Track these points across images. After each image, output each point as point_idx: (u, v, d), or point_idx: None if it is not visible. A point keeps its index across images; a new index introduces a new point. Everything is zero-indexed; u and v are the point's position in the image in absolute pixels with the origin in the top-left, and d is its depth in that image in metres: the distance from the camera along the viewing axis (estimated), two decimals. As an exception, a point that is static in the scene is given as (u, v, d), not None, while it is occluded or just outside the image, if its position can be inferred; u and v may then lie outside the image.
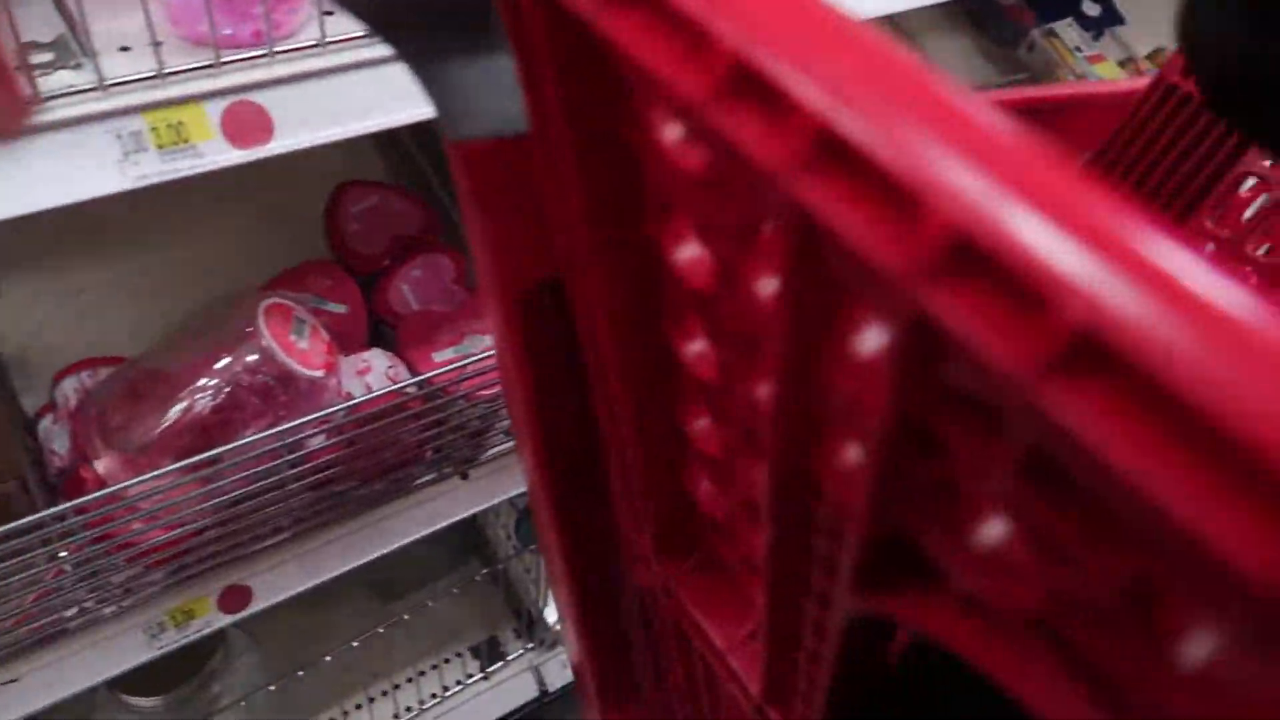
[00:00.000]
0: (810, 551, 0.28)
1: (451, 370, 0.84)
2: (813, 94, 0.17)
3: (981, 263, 0.14)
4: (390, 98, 0.68)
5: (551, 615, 1.38)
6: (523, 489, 1.04)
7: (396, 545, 0.98)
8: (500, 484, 1.03)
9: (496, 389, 0.89)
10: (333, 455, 0.81)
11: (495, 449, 1.01)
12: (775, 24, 0.18)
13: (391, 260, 1.04)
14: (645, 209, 0.30)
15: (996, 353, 0.14)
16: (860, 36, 0.17)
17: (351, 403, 0.78)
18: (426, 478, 0.97)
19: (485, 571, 1.45)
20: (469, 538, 1.50)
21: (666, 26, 0.20)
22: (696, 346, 0.32)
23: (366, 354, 0.92)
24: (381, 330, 1.02)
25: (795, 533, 0.28)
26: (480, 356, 0.85)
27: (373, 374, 0.89)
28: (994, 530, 0.18)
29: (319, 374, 0.77)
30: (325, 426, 0.78)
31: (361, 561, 0.97)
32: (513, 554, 1.41)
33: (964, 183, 0.15)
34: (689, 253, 0.29)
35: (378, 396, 0.80)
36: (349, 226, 1.04)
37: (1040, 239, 0.14)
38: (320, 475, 0.81)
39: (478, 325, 0.97)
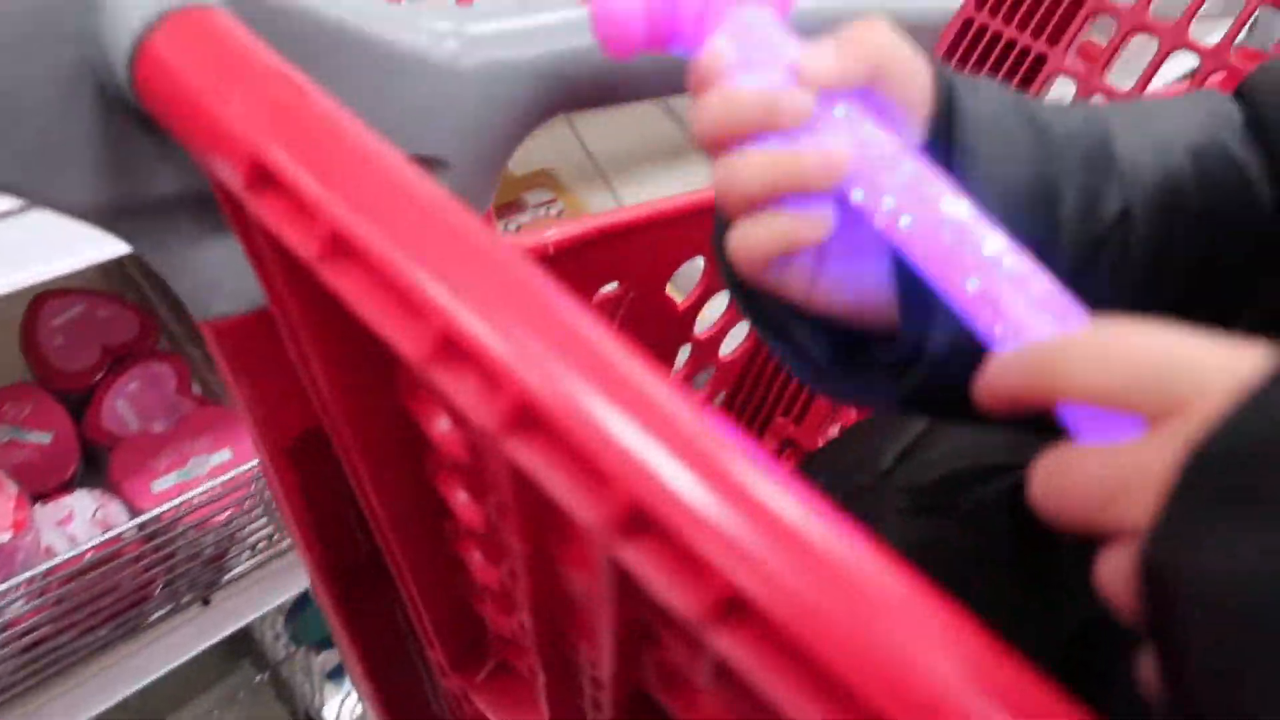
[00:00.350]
0: (582, 690, 0.32)
1: (174, 505, 0.79)
2: (520, 365, 0.20)
3: (655, 528, 0.18)
4: (50, 244, 0.64)
5: (331, 714, 1.35)
6: (283, 598, 1.00)
7: (136, 689, 0.90)
8: (251, 601, 0.97)
9: (230, 512, 0.85)
10: (38, 618, 0.74)
11: (240, 567, 0.96)
12: (480, 289, 0.21)
13: (104, 375, 0.96)
14: (397, 383, 0.32)
15: (671, 601, 0.18)
16: (568, 313, 0.21)
17: (49, 564, 0.72)
18: (161, 612, 0.90)
19: (258, 678, 1.38)
20: (237, 642, 1.43)
21: (380, 287, 0.22)
22: (461, 497, 0.35)
23: (68, 498, 0.83)
24: (97, 455, 0.93)
25: (566, 674, 0.32)
26: (207, 486, 0.80)
27: (76, 522, 0.82)
28: (706, 703, 0.22)
29: (6, 536, 0.71)
30: (24, 592, 0.72)
31: (95, 713, 0.88)
32: (284, 656, 1.36)
33: (642, 461, 0.18)
34: (443, 426, 0.32)
35: (83, 552, 0.74)
36: (50, 342, 0.95)
37: (703, 513, 0.18)
38: (25, 639, 0.74)
39: (204, 442, 0.92)
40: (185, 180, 0.31)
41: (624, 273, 0.51)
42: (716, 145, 0.30)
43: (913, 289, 0.30)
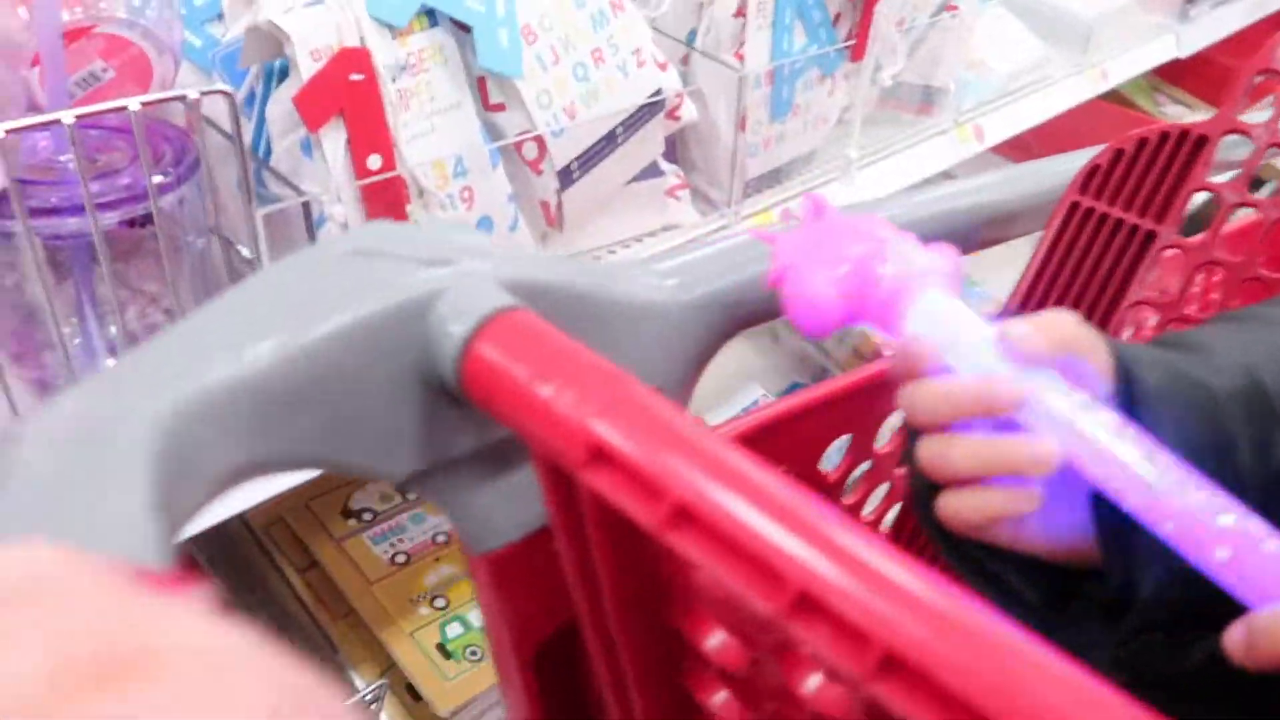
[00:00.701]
0: None
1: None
2: (877, 621, 0.24)
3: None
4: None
5: None
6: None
7: None
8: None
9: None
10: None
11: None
12: (831, 556, 0.25)
13: None
14: (671, 602, 0.36)
15: None
16: (901, 566, 0.25)
17: None
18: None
19: None
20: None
21: (729, 551, 0.27)
22: (719, 697, 0.39)
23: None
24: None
25: None
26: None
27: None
28: None
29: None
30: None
31: None
32: None
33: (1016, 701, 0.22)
34: (714, 642, 0.35)
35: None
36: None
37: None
38: None
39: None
40: (475, 440, 0.36)
41: (786, 458, 0.56)
42: (928, 427, 0.34)
43: (1114, 534, 0.33)
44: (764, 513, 0.27)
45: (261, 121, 0.70)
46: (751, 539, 0.26)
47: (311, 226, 0.66)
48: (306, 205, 0.66)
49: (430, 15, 0.69)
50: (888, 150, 1.12)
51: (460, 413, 0.35)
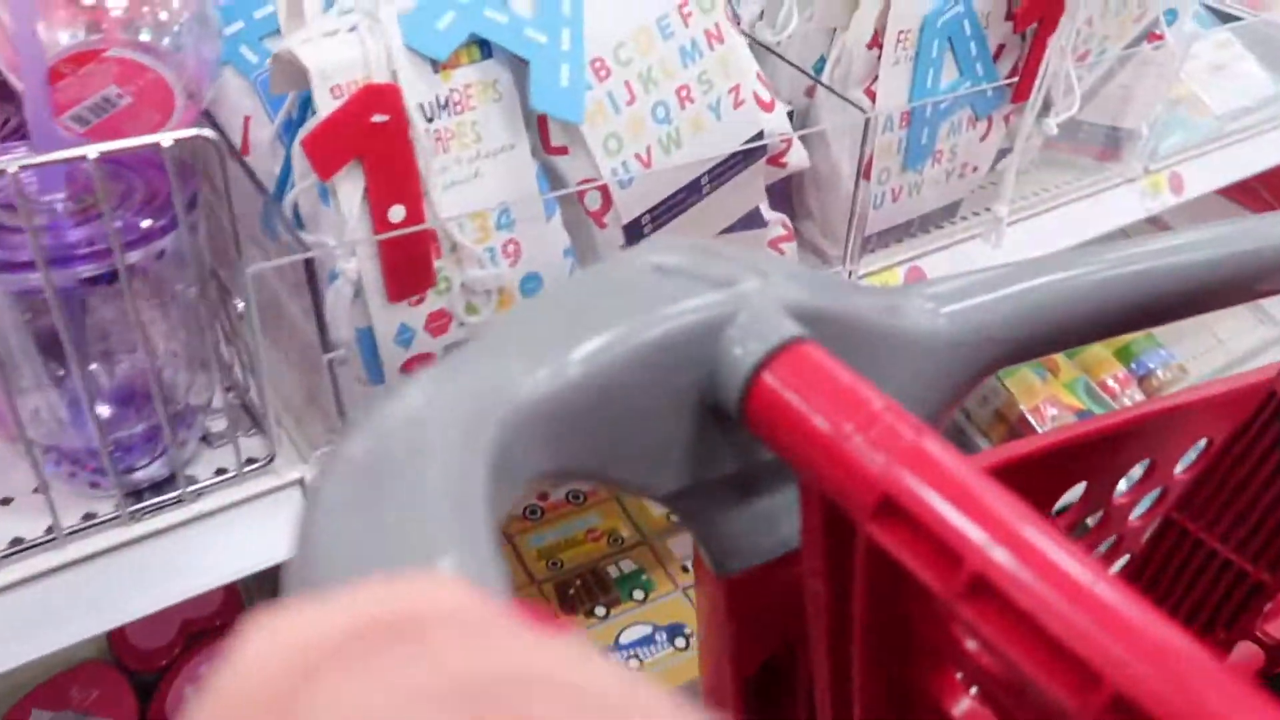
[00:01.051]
0: None
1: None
2: None
3: None
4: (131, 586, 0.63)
5: None
6: None
7: None
8: None
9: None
10: None
11: None
12: (1152, 655, 0.24)
13: (179, 654, 0.93)
14: (916, 663, 0.35)
15: None
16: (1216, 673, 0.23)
17: None
18: None
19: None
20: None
21: (1034, 637, 0.25)
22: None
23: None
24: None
25: None
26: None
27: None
28: None
29: None
30: None
31: None
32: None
33: None
34: (966, 707, 0.34)
35: None
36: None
37: None
38: None
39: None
40: (736, 463, 0.36)
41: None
42: None
43: None
44: (1075, 599, 0.25)
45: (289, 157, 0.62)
46: (1064, 627, 0.25)
47: (315, 284, 0.58)
48: (309, 264, 0.57)
49: (483, 46, 0.61)
50: (1052, 201, 0.98)
51: (728, 435, 0.35)
